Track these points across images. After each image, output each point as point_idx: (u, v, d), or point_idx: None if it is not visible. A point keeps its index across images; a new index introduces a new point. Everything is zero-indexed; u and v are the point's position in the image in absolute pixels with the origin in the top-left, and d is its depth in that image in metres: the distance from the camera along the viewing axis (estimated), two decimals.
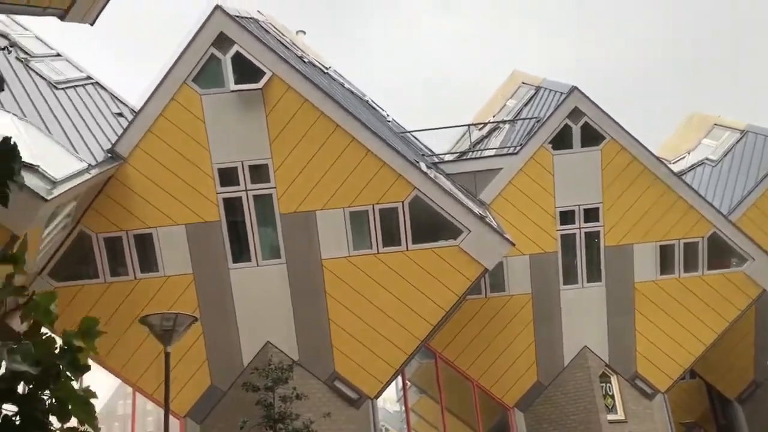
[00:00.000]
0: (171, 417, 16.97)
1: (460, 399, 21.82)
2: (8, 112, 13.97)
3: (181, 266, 16.45)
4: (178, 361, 16.22)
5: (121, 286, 16.47)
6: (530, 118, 21.40)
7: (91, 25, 9.04)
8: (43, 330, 1.85)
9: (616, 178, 19.69)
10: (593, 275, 20.05)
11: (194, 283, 16.48)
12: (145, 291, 16.37)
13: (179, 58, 16.11)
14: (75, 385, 1.80)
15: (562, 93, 20.47)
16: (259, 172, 16.43)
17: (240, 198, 16.39)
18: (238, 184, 16.37)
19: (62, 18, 8.18)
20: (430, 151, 22.77)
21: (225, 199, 16.38)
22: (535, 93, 23.29)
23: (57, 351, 1.74)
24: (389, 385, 17.97)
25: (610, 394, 20.31)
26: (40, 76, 16.63)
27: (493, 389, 20.46)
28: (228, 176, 16.37)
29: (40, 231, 13.74)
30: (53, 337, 1.80)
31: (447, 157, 22.39)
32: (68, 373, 1.75)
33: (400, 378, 21.02)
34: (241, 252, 16.62)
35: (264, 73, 16.18)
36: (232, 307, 16.61)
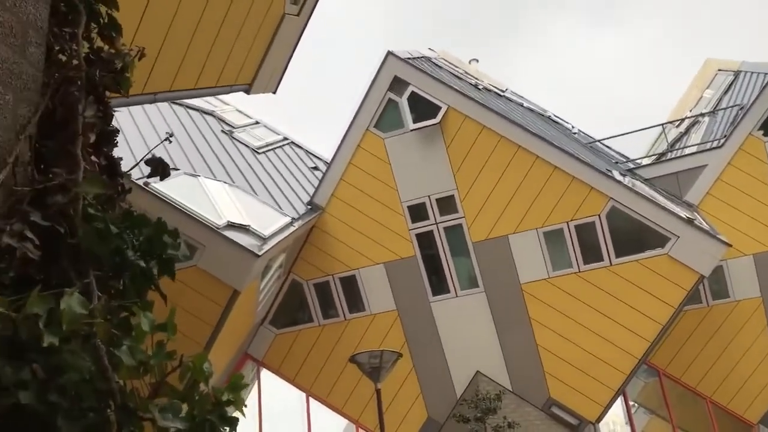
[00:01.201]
0: None
1: (693, 418, 20.11)
2: (219, 180, 15.59)
3: (385, 303, 17.08)
4: (395, 395, 16.80)
5: (334, 328, 17.45)
6: (732, 107, 19.60)
7: (274, 93, 9.88)
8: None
9: None
10: None
11: (399, 319, 17.01)
12: (356, 330, 17.19)
13: (360, 107, 17.00)
14: None
15: (766, 74, 18.55)
16: (446, 204, 16.69)
17: (431, 232, 16.74)
18: (428, 219, 16.75)
19: (247, 92, 9.04)
20: (624, 157, 21.65)
21: (417, 235, 16.82)
22: (735, 78, 21.34)
23: (210, 407, 1.95)
24: (610, 407, 17.06)
25: None
26: (244, 144, 18.40)
27: (730, 405, 18.63)
28: (417, 212, 16.82)
29: (257, 284, 15.07)
30: (209, 394, 2.02)
31: (644, 161, 21.15)
32: (220, 426, 1.94)
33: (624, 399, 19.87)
34: (439, 284, 16.89)
35: (440, 108, 16.53)
36: (437, 339, 16.87)
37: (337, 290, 17.32)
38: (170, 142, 3.39)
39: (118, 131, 2.51)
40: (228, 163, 16.82)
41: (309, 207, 17.05)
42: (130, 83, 2.51)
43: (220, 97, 20.32)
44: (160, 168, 2.63)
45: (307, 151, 20.88)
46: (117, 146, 2.51)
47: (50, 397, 1.67)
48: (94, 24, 2.69)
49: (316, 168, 19.68)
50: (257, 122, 20.81)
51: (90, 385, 1.74)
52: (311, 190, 17.79)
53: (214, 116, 19.27)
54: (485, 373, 16.54)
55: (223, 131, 18.59)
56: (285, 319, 17.76)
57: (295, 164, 19.56)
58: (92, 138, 2.29)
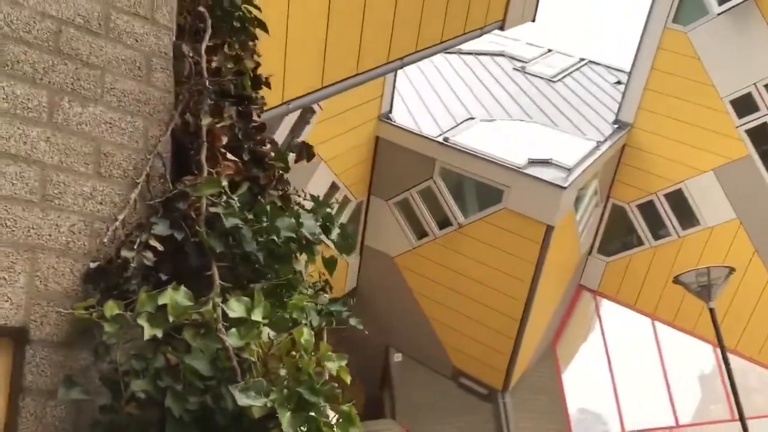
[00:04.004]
0: None
1: None
2: (515, 119, 15.57)
3: (722, 214, 15.36)
4: (752, 310, 15.28)
5: (668, 248, 16.26)
6: None
7: (533, 21, 9.50)
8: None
9: None
10: None
11: (743, 228, 15.16)
12: (693, 246, 15.80)
13: (652, 5, 15.34)
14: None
15: None
16: None
17: (765, 124, 14.48)
18: (759, 110, 14.49)
19: (502, 28, 8.83)
20: None
21: (748, 131, 14.69)
22: None
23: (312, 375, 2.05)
24: None
25: None
26: (537, 77, 17.99)
27: None
28: (744, 105, 14.65)
29: (573, 215, 14.77)
30: (307, 366, 2.11)
31: None
32: (312, 398, 2.03)
33: None
34: None
35: None
36: None
37: (664, 208, 16.06)
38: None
39: (264, 126, 2.73)
40: (523, 99, 16.66)
41: (616, 126, 16.03)
42: (265, 82, 2.70)
43: (507, 33, 20.06)
44: (304, 151, 2.80)
45: (607, 67, 19.54)
46: (265, 140, 2.74)
47: (162, 382, 1.96)
48: (240, 28, 2.94)
49: (619, 82, 18.35)
50: (549, 50, 20.11)
51: (208, 366, 1.99)
52: (616, 108, 16.69)
53: (504, 56, 19.17)
54: None
55: (515, 69, 18.41)
56: (613, 246, 17.08)
57: (595, 84, 18.49)
58: (224, 140, 2.54)
